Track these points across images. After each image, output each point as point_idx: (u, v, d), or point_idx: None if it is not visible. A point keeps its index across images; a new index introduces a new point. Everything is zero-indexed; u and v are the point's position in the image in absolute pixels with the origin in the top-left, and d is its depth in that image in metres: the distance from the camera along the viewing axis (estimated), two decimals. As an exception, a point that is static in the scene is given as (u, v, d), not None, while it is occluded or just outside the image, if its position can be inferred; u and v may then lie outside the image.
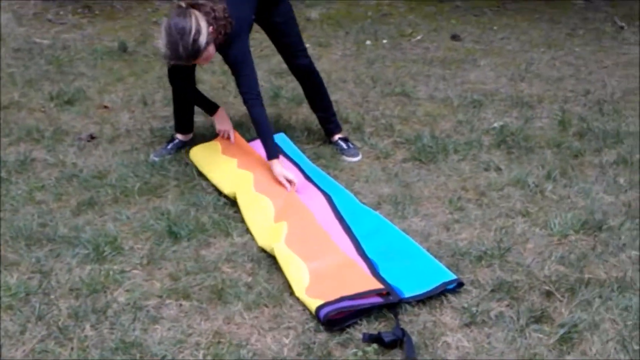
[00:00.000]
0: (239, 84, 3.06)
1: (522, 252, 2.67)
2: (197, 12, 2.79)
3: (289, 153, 3.36)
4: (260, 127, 3.07)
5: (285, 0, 3.31)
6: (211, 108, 3.36)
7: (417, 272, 2.49)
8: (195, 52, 2.79)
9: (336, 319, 2.24)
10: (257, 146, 3.30)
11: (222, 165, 3.19)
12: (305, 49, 3.44)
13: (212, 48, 2.88)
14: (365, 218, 2.83)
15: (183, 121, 3.53)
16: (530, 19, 6.29)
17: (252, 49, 5.30)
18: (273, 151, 3.06)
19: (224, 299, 2.39)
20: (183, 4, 2.85)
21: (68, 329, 2.24)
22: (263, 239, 2.67)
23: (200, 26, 2.77)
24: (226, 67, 4.78)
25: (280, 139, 3.51)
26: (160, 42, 2.82)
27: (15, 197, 3.05)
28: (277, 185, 3.00)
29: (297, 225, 2.70)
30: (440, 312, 2.34)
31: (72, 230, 2.79)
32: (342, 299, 2.28)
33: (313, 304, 2.30)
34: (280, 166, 3.04)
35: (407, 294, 2.37)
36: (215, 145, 3.38)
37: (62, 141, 3.62)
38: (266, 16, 3.27)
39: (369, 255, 2.58)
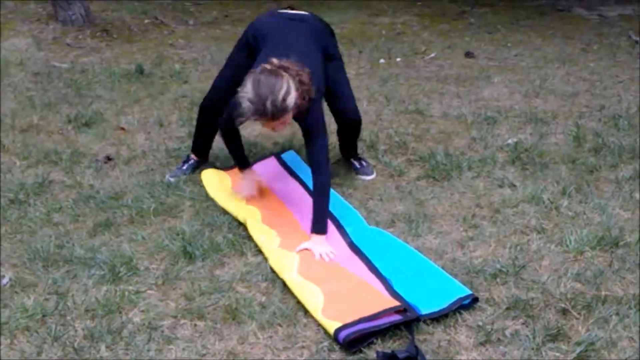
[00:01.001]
0: (311, 152, 2.93)
1: (538, 269, 2.66)
2: (286, 74, 2.73)
3: (297, 171, 3.40)
4: (323, 199, 2.88)
5: (335, 49, 3.33)
6: (242, 163, 3.28)
7: (431, 288, 2.48)
8: (282, 111, 2.68)
9: (355, 339, 2.24)
10: (261, 168, 3.37)
11: (231, 198, 3.20)
12: (353, 100, 3.38)
13: (295, 111, 2.78)
14: (375, 237, 2.84)
15: (202, 145, 3.56)
16: (544, 35, 6.30)
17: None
18: (324, 226, 2.85)
19: (238, 319, 2.40)
20: (269, 66, 2.76)
21: (84, 350, 2.26)
22: (274, 263, 2.69)
23: (290, 87, 2.69)
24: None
25: (290, 156, 3.54)
26: (244, 96, 2.70)
27: (33, 219, 3.09)
28: (284, 222, 3.02)
29: (307, 255, 2.73)
30: (455, 331, 2.33)
31: (88, 251, 2.82)
32: (360, 320, 2.27)
33: (330, 326, 2.29)
34: (325, 243, 2.83)
35: (424, 311, 2.37)
36: (226, 177, 3.40)
37: (79, 163, 3.67)
38: None
39: (383, 273, 2.57)
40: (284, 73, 2.71)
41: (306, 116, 2.88)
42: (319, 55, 3.10)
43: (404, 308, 2.34)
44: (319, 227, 2.84)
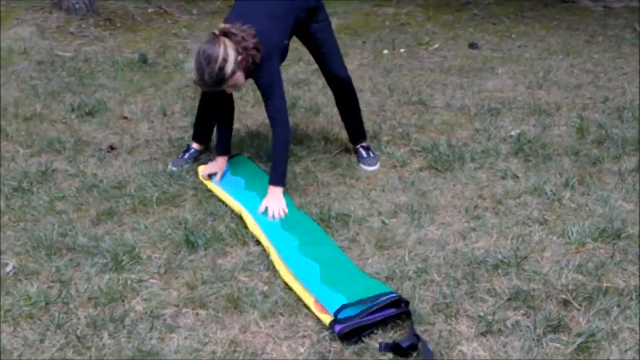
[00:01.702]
0: (267, 107, 3.08)
1: (539, 261, 2.66)
2: (226, 41, 2.85)
3: (250, 174, 3.32)
4: (280, 148, 3.06)
5: (322, 11, 3.29)
6: (221, 149, 3.34)
7: (354, 284, 2.43)
8: (219, 79, 2.84)
9: (351, 331, 2.24)
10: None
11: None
12: (342, 61, 3.45)
13: (240, 76, 2.91)
14: (309, 229, 2.85)
15: (201, 131, 3.58)
16: (548, 26, 6.27)
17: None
18: (282, 178, 3.06)
19: (240, 308, 2.41)
20: (216, 31, 2.90)
21: (86, 338, 2.27)
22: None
23: (228, 54, 2.82)
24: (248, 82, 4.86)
25: (240, 160, 3.46)
26: (192, 66, 2.90)
27: (36, 207, 3.10)
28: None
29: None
30: (456, 321, 2.33)
31: (91, 239, 2.83)
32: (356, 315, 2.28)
33: (324, 319, 2.31)
34: (281, 197, 3.01)
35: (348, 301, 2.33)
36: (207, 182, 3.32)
37: (82, 152, 3.68)
38: (304, 30, 3.27)
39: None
40: (222, 40, 2.84)
41: (258, 73, 3.01)
42: (286, 10, 3.09)
43: (398, 299, 2.33)
44: (276, 179, 3.02)
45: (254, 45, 2.90)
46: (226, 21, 3.05)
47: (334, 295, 2.36)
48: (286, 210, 2.95)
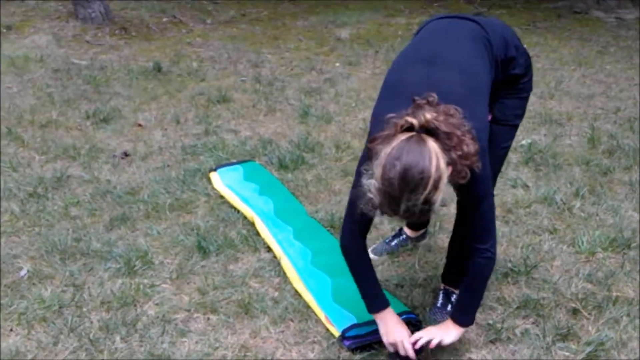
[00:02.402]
0: (469, 223, 2.10)
1: (549, 269, 2.67)
2: (436, 148, 1.76)
3: (263, 181, 3.33)
4: (480, 285, 2.14)
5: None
6: (375, 303, 2.21)
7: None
8: (423, 213, 1.79)
9: (360, 346, 2.25)
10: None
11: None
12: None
13: (446, 193, 1.83)
14: (322, 238, 2.86)
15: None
16: (560, 37, 6.28)
17: (282, 68, 5.43)
18: (471, 317, 2.18)
19: (250, 313, 2.43)
20: (414, 121, 1.78)
21: (99, 341, 2.30)
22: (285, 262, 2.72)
23: (442, 174, 1.75)
24: (258, 86, 4.93)
25: (253, 167, 3.48)
26: (372, 182, 1.79)
27: (51, 213, 3.14)
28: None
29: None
30: (466, 329, 2.33)
31: (104, 244, 2.86)
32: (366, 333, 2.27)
33: (334, 331, 2.32)
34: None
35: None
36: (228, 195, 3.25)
37: (97, 158, 3.72)
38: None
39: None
40: (431, 148, 1.75)
41: (470, 188, 1.93)
42: (487, 73, 2.08)
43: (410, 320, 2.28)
44: (463, 317, 2.16)
45: (475, 150, 1.82)
46: (395, 90, 2.04)
47: (344, 315, 2.35)
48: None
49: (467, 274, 2.11)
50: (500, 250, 2.79)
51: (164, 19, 6.78)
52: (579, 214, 3.06)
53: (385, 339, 2.16)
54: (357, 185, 1.95)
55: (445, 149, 1.77)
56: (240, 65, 5.45)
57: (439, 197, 1.76)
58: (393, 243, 2.82)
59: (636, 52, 5.72)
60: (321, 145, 3.82)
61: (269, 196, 3.17)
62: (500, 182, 3.36)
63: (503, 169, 3.44)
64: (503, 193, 3.26)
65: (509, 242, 2.84)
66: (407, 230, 2.84)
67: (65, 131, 4.12)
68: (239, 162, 3.53)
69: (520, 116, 2.33)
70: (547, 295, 2.50)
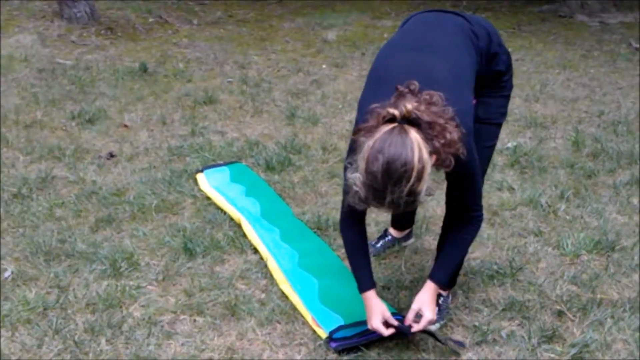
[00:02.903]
0: (464, 197, 2.15)
1: (534, 272, 2.68)
2: (418, 138, 1.77)
3: (250, 183, 3.32)
4: (462, 248, 2.25)
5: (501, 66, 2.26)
6: (362, 283, 2.24)
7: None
8: (408, 204, 1.82)
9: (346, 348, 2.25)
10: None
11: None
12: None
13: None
14: (308, 240, 2.86)
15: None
16: (545, 40, 6.33)
17: (269, 69, 5.43)
18: (448, 278, 2.27)
19: (237, 315, 2.43)
20: (395, 112, 1.79)
21: (84, 344, 2.28)
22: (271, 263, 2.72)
23: (425, 165, 1.77)
24: (245, 87, 4.92)
25: (240, 168, 3.48)
26: (357, 175, 1.81)
27: (36, 214, 3.11)
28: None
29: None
30: (451, 331, 2.35)
31: (90, 246, 2.85)
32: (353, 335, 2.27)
33: (320, 333, 2.32)
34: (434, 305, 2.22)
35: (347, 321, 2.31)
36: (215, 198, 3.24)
37: (82, 159, 3.70)
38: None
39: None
40: (413, 139, 1.76)
41: (455, 171, 1.93)
42: (472, 64, 2.10)
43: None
44: (441, 276, 2.20)
45: (459, 137, 1.84)
46: (380, 79, 2.02)
47: (331, 317, 2.36)
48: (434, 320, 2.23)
49: (454, 237, 2.19)
50: (485, 252, 2.81)
51: (150, 20, 6.75)
52: (564, 217, 3.08)
53: (369, 324, 2.19)
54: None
55: (428, 138, 1.79)
56: (227, 67, 5.44)
57: (423, 187, 1.79)
58: (379, 245, 2.82)
59: (619, 56, 5.78)
60: (308, 147, 3.82)
61: (256, 198, 3.17)
62: (485, 184, 3.36)
63: (489, 171, 3.47)
64: (489, 195, 3.27)
65: (495, 245, 2.86)
66: (392, 230, 2.85)
67: (50, 131, 4.09)
68: (225, 164, 3.52)
69: (504, 114, 2.35)
70: (532, 298, 2.51)
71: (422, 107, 1.80)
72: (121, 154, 3.77)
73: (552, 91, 4.83)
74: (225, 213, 3.09)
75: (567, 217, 3.08)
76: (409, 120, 1.79)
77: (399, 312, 2.35)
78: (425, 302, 2.16)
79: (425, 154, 1.77)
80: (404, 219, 2.81)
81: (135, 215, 3.10)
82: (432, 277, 2.20)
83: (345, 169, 1.93)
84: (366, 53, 5.85)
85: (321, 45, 6.12)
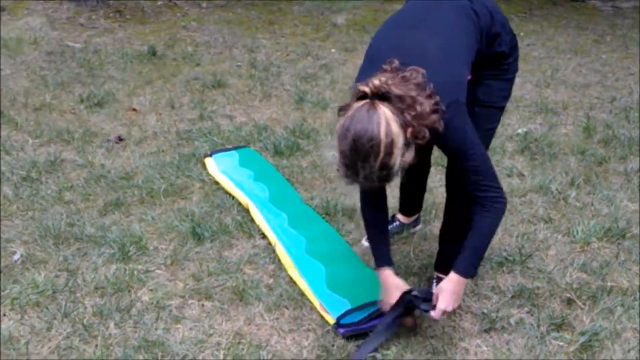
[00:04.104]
0: (467, 177, 2.05)
1: (544, 259, 2.67)
2: (387, 112, 1.78)
3: (258, 168, 3.31)
4: (485, 239, 2.12)
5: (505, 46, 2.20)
6: (380, 259, 2.26)
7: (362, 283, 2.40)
8: (383, 178, 1.84)
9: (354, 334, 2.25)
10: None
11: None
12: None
13: (409, 155, 1.86)
14: (316, 225, 2.85)
15: (407, 199, 2.65)
16: (557, 25, 6.26)
17: (278, 53, 5.40)
18: (473, 268, 2.18)
19: (245, 300, 2.43)
20: (366, 89, 1.82)
21: (93, 327, 2.29)
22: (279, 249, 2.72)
23: (393, 135, 1.78)
24: (253, 71, 4.90)
25: (249, 153, 3.47)
26: (334, 153, 1.89)
27: (45, 197, 3.12)
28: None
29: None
30: (460, 318, 2.35)
31: (98, 230, 2.85)
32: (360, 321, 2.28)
33: (328, 318, 2.32)
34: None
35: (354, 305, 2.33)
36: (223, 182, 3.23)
37: (91, 143, 3.70)
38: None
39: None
40: (382, 113, 1.78)
41: (443, 141, 1.99)
42: (468, 31, 2.07)
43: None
44: (465, 267, 2.11)
45: (432, 109, 1.84)
46: (372, 58, 2.03)
47: (338, 301, 2.36)
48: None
49: (474, 224, 2.07)
50: (495, 239, 2.78)
51: (159, 2, 6.72)
52: (574, 204, 3.06)
53: (385, 304, 2.20)
54: None
55: (399, 111, 1.80)
56: (236, 50, 5.41)
57: (395, 161, 1.80)
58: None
59: (632, 41, 5.71)
60: (317, 132, 3.80)
61: (264, 182, 3.16)
62: (495, 170, 3.35)
63: (499, 157, 3.46)
64: (498, 182, 3.25)
65: (504, 231, 2.84)
66: (400, 216, 2.84)
67: (59, 115, 4.08)
68: (234, 148, 3.51)
69: (506, 98, 2.31)
70: (541, 285, 2.50)
71: (392, 81, 1.81)
72: (130, 138, 3.76)
73: (564, 77, 4.79)
74: (233, 198, 3.08)
75: (578, 204, 3.06)
76: (379, 95, 1.81)
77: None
78: (443, 291, 2.11)
79: (395, 128, 1.78)
80: (412, 204, 2.80)
81: (144, 199, 3.10)
82: (455, 267, 2.11)
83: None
84: (376, 37, 5.80)
85: (330, 29, 6.07)
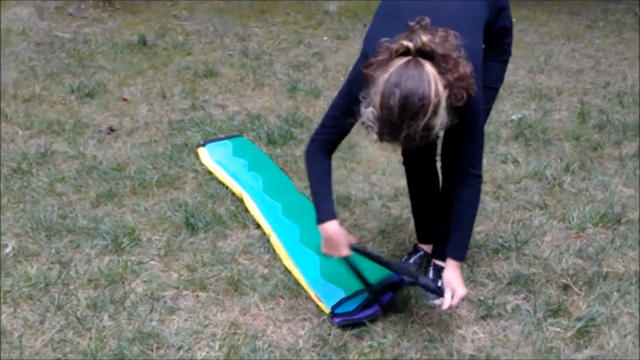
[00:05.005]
0: (463, 152, 2.09)
1: (540, 245, 2.66)
2: (434, 71, 1.74)
3: (252, 157, 3.28)
4: (470, 217, 2.16)
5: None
6: (324, 212, 2.18)
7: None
8: (422, 139, 1.77)
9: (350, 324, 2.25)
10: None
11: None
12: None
13: (448, 118, 1.81)
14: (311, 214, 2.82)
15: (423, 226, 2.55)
16: (549, 11, 6.24)
17: (269, 42, 5.36)
18: (465, 250, 2.21)
19: (240, 291, 2.41)
20: (409, 45, 1.76)
21: (86, 319, 2.27)
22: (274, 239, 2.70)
23: (440, 99, 1.73)
24: (245, 60, 4.86)
25: (242, 142, 3.44)
26: (370, 110, 1.78)
27: (36, 189, 3.09)
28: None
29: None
30: (456, 305, 2.33)
31: (91, 221, 2.82)
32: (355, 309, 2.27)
33: (324, 307, 2.31)
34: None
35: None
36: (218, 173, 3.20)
37: (82, 134, 3.66)
38: None
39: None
40: (429, 72, 1.73)
41: (463, 114, 1.88)
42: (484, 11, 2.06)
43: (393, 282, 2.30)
44: (459, 252, 2.15)
45: (471, 71, 1.80)
46: (391, 12, 2.02)
47: (333, 290, 2.35)
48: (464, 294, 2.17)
49: (459, 206, 2.11)
50: (490, 226, 2.79)
51: (149, -9, 6.66)
52: (569, 189, 3.05)
53: (322, 249, 2.19)
54: (334, 105, 2.15)
55: (442, 72, 1.75)
56: (227, 39, 5.37)
57: (438, 121, 1.76)
58: (411, 260, 2.58)
59: (625, 27, 5.70)
60: (310, 121, 3.78)
61: (258, 172, 3.14)
62: (490, 157, 3.35)
63: (493, 144, 3.46)
64: (493, 168, 3.24)
65: (500, 218, 2.84)
66: (423, 246, 2.60)
67: (49, 106, 4.04)
68: (227, 138, 3.48)
69: (501, 80, 2.32)
70: (537, 271, 2.50)
71: (436, 40, 1.76)
72: (121, 129, 3.73)
73: (557, 62, 4.78)
74: (227, 187, 3.06)
75: (573, 190, 3.05)
76: (423, 53, 1.75)
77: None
78: (453, 280, 2.11)
79: (441, 88, 1.74)
80: (430, 229, 2.56)
81: (136, 190, 3.08)
82: (451, 255, 2.13)
83: (341, 96, 2.10)
84: (368, 25, 5.77)
85: (322, 17, 6.04)
